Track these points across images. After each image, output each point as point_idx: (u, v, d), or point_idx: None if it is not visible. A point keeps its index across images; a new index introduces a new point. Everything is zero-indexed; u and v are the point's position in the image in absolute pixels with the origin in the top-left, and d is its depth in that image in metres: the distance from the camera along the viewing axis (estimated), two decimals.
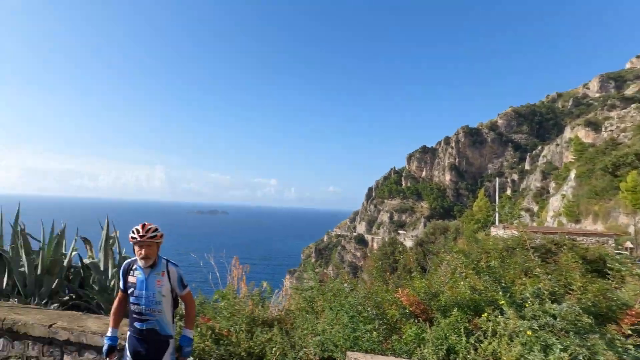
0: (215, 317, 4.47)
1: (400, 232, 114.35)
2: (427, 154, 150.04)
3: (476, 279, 4.07)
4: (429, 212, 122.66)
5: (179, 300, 3.32)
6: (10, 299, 5.54)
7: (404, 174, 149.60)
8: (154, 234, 3.09)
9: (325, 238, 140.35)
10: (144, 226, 3.09)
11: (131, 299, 3.15)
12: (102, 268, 6.58)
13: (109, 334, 3.22)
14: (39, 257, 6.13)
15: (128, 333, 3.21)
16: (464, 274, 4.36)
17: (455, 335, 3.28)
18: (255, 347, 3.97)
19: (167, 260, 3.20)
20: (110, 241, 6.81)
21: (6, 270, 5.93)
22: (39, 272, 6.02)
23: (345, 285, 4.88)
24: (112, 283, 6.47)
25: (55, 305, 5.44)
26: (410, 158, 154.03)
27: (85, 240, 7.29)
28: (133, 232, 3.10)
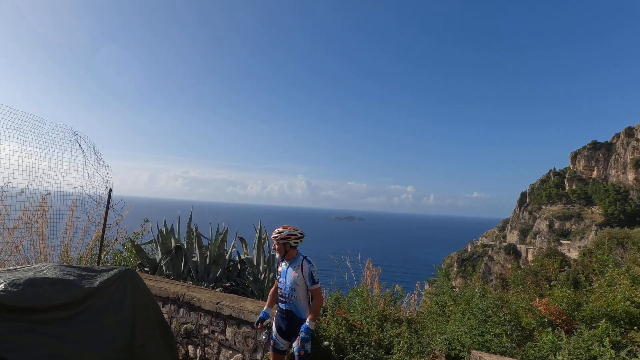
0: (350, 311, 4.95)
1: (562, 241, 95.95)
2: (599, 151, 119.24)
3: (632, 290, 3.59)
4: (604, 218, 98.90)
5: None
6: (187, 281, 6.95)
7: (567, 176, 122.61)
8: (275, 235, 3.80)
9: (469, 247, 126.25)
10: (277, 230, 3.86)
11: (278, 284, 3.91)
12: (255, 263, 7.76)
13: (263, 309, 4.03)
14: (207, 251, 7.55)
15: (276, 312, 3.96)
16: (619, 283, 3.88)
17: (599, 346, 3.00)
18: (385, 339, 4.27)
19: (304, 258, 3.82)
20: (262, 241, 7.99)
21: (183, 259, 7.45)
22: (207, 262, 7.40)
23: (476, 290, 4.81)
24: (263, 275, 7.54)
25: (219, 289, 6.60)
26: (575, 157, 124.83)
27: (242, 240, 8.62)
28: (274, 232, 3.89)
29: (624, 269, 4.13)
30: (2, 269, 3.21)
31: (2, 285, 2.74)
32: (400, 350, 3.96)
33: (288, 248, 3.83)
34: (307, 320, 3.68)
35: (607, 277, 4.16)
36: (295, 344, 3.67)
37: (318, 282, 3.80)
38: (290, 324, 3.78)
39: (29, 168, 5.19)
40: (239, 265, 7.88)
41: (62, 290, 3.13)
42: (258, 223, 8.22)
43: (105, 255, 7.18)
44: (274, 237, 3.80)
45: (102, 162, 6.88)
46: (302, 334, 3.61)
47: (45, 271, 3.23)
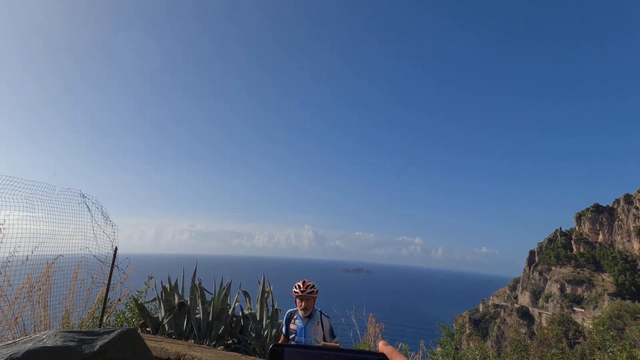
0: None
1: (576, 309, 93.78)
2: (601, 214, 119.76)
3: None
4: (615, 288, 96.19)
5: None
6: (189, 339, 6.85)
7: (573, 237, 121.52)
8: (312, 289, 3.74)
9: (481, 307, 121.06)
10: (304, 282, 3.79)
11: (292, 343, 3.74)
12: (258, 318, 7.64)
13: None
14: (210, 306, 7.48)
15: None
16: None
17: None
18: None
19: (321, 312, 3.80)
20: (265, 295, 7.92)
21: (186, 316, 7.38)
22: (210, 318, 7.32)
23: (477, 352, 4.73)
24: (266, 332, 7.41)
25: (221, 347, 6.50)
26: (579, 218, 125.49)
27: (245, 293, 8.56)
28: (295, 287, 3.80)
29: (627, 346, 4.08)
30: (0, 344, 3.23)
31: None
32: None
33: (314, 303, 3.79)
34: None
35: (609, 353, 4.14)
36: None
37: (335, 335, 3.80)
38: None
39: (35, 234, 5.36)
40: (241, 320, 7.78)
41: (62, 358, 3.15)
42: (262, 276, 8.20)
43: (107, 318, 7.15)
44: (308, 293, 3.67)
45: (109, 222, 7.08)
46: None
47: (45, 340, 3.28)
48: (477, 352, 4.68)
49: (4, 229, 5.08)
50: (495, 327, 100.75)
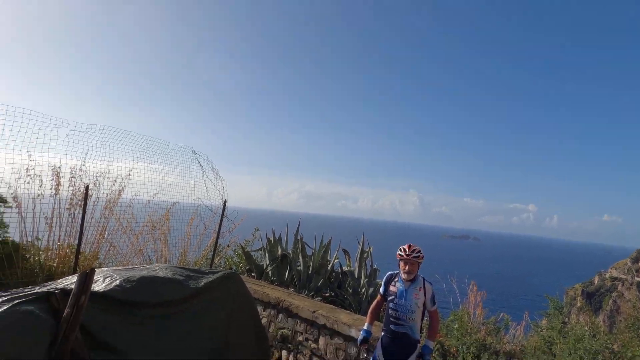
0: (447, 335, 4.55)
1: None
2: None
3: None
4: None
5: (425, 313, 3.64)
6: (289, 288, 7.17)
7: None
8: (417, 254, 3.56)
9: (597, 279, 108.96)
10: (410, 246, 3.62)
11: (390, 305, 3.65)
12: (356, 276, 7.66)
13: (365, 327, 3.80)
14: (310, 260, 7.70)
15: (382, 333, 3.73)
16: None
17: None
18: None
19: (424, 278, 3.62)
20: (365, 255, 7.88)
21: (288, 267, 7.70)
22: (310, 271, 7.54)
23: (586, 328, 4.02)
24: (363, 290, 7.39)
25: (319, 298, 6.66)
26: None
27: (345, 252, 8.62)
28: (400, 250, 3.63)
29: None
30: (121, 267, 3.67)
31: (118, 281, 3.13)
32: None
33: (418, 268, 3.65)
34: (428, 341, 3.55)
35: None
36: None
37: (436, 302, 3.62)
38: (402, 347, 3.53)
39: (155, 183, 6.09)
40: (340, 276, 7.87)
41: (171, 289, 3.46)
42: (362, 237, 8.14)
43: (218, 260, 7.83)
44: (413, 257, 3.55)
45: (218, 177, 7.59)
46: (426, 356, 3.48)
47: (157, 271, 3.61)
48: (586, 328, 4.01)
49: (129, 177, 5.85)
50: (610, 301, 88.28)
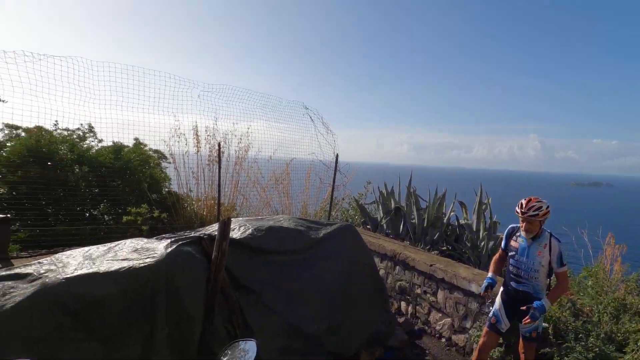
0: (579, 293, 4.11)
1: None
2: None
3: None
4: None
5: (552, 273, 3.28)
6: (404, 241, 7.25)
7: None
8: (535, 212, 3.12)
9: None
10: (528, 202, 3.18)
11: (511, 261, 3.39)
12: (474, 229, 7.37)
13: (489, 275, 3.53)
14: (425, 213, 7.61)
15: (501, 289, 3.51)
16: None
17: None
18: (619, 334, 3.38)
19: (551, 234, 3.21)
20: (483, 207, 7.47)
21: (402, 220, 7.74)
22: (425, 224, 7.48)
23: None
24: (482, 243, 7.09)
25: (435, 252, 6.61)
26: None
27: (462, 204, 8.28)
28: (518, 206, 3.23)
29: None
30: (252, 217, 4.15)
31: (250, 230, 3.56)
32: (638, 350, 3.04)
33: (542, 224, 3.23)
34: (546, 299, 3.13)
35: None
36: (524, 326, 3.20)
37: (566, 263, 3.20)
38: (523, 305, 3.19)
39: (275, 140, 6.65)
40: (457, 230, 7.66)
41: (294, 238, 3.81)
42: (480, 187, 7.70)
43: (335, 212, 8.26)
44: (531, 215, 3.12)
45: (329, 131, 7.84)
46: (534, 311, 3.05)
47: (282, 221, 3.99)
48: None
49: (250, 134, 6.55)
50: None
